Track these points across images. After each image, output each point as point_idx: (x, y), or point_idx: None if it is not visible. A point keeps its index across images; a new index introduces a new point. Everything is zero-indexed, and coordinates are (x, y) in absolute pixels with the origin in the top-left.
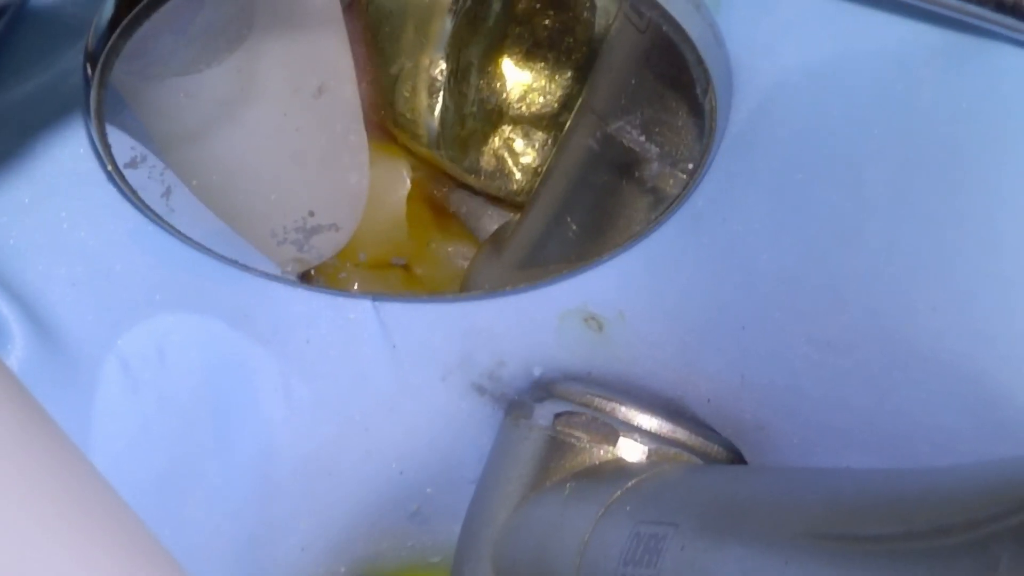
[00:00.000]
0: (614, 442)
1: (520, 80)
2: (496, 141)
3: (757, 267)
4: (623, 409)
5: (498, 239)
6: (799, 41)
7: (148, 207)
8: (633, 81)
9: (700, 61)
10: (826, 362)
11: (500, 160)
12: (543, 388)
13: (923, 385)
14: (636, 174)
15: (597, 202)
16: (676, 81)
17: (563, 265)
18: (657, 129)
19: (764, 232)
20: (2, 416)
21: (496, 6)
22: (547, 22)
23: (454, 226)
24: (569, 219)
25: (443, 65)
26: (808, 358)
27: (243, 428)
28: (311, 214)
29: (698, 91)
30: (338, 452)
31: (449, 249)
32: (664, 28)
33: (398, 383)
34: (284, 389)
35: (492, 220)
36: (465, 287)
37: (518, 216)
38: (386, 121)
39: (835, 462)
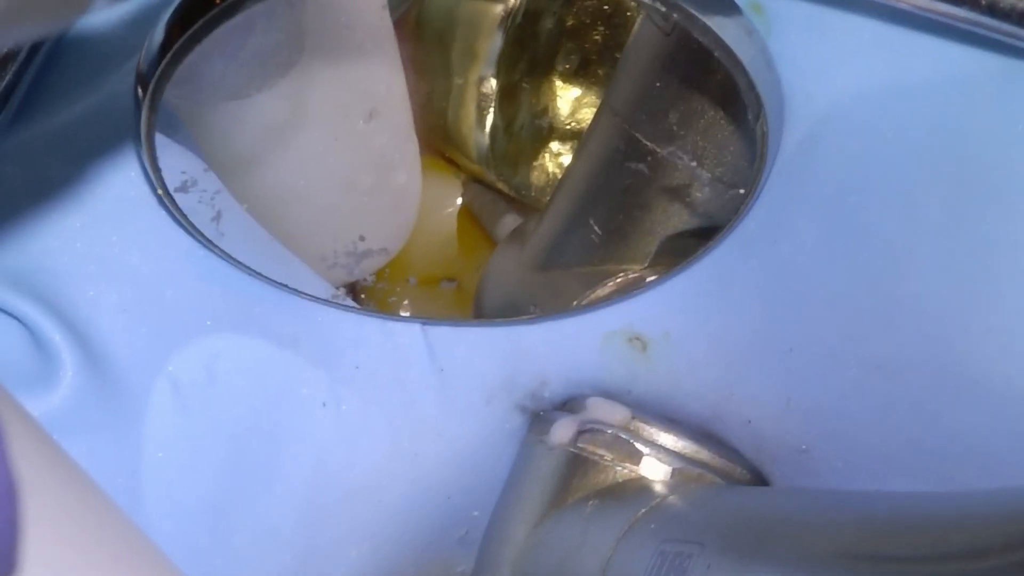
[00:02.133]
0: (637, 461)
1: (570, 96)
2: (546, 157)
3: (807, 290)
4: (647, 428)
5: (515, 239)
6: (853, 66)
7: (198, 231)
8: (658, 84)
9: (752, 87)
10: (875, 385)
11: (550, 176)
12: (567, 405)
13: (974, 409)
14: (686, 198)
15: (620, 206)
16: (727, 106)
17: (585, 269)
18: (708, 154)
19: (815, 255)
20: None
21: (547, 22)
22: (597, 37)
23: None
24: (591, 221)
25: (493, 82)
26: (857, 381)
27: (292, 454)
28: (362, 238)
29: (750, 117)
30: (387, 478)
31: None
32: (716, 54)
33: (445, 407)
34: (334, 414)
35: (511, 221)
36: (482, 286)
37: (536, 216)
38: (436, 138)
39: (879, 486)
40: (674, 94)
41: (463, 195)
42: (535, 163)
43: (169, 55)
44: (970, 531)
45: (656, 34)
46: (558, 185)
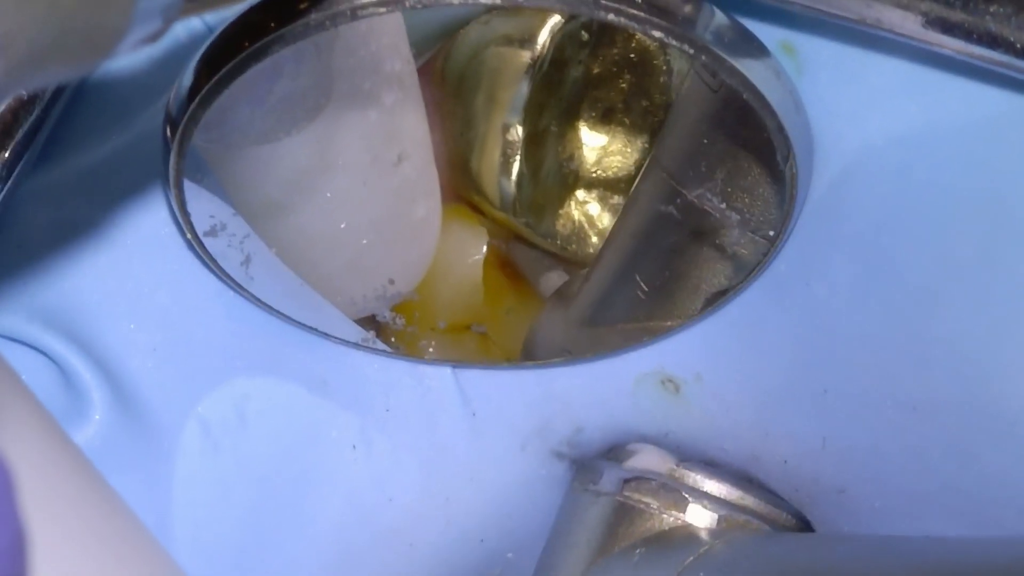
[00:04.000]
0: (684, 508)
1: (596, 144)
2: (572, 205)
3: (841, 330)
4: (692, 475)
5: (562, 296)
6: (885, 107)
7: (227, 275)
8: (705, 141)
9: (781, 128)
10: (910, 425)
11: (576, 224)
12: (611, 453)
13: (1010, 450)
14: (716, 240)
15: (667, 262)
16: (756, 147)
17: (631, 325)
18: (737, 196)
19: (848, 295)
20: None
21: (573, 70)
22: (623, 85)
23: (530, 291)
24: (638, 278)
25: (519, 129)
26: (892, 421)
27: (322, 497)
28: (391, 282)
29: (779, 158)
30: (418, 522)
31: (525, 314)
32: (744, 96)
33: (478, 452)
34: (364, 457)
35: (556, 277)
36: (529, 344)
37: (583, 273)
38: (462, 185)
39: (916, 527)
40: (721, 150)
41: (488, 241)
42: (561, 211)
43: (198, 98)
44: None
45: (704, 91)
46: (605, 241)
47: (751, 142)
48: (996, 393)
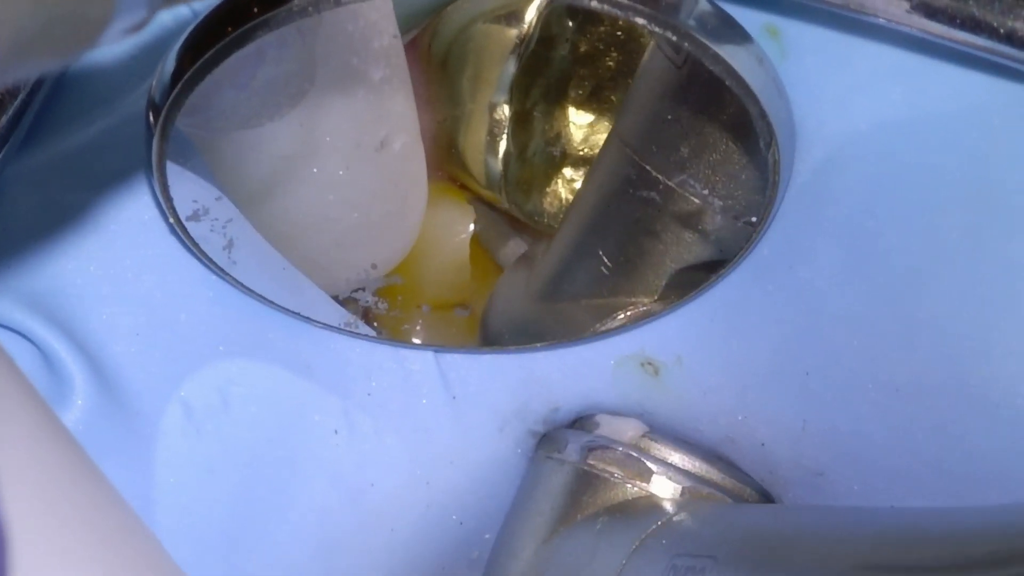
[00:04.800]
0: (648, 479)
1: (583, 122)
2: (558, 183)
3: (824, 313)
4: (658, 447)
5: (524, 264)
6: (870, 92)
7: (210, 260)
8: (669, 117)
9: (763, 115)
10: (894, 407)
11: (563, 202)
12: (577, 423)
13: (995, 431)
14: (698, 226)
15: (631, 237)
16: (738, 133)
17: (595, 301)
18: (720, 182)
19: (833, 279)
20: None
21: (560, 48)
22: (611, 63)
23: None
24: (601, 253)
25: (506, 108)
26: (875, 403)
27: (305, 480)
28: (374, 266)
29: (761, 144)
30: (400, 505)
31: None
32: (728, 82)
33: (458, 434)
34: (347, 441)
35: (517, 246)
36: (488, 310)
37: (544, 243)
38: (447, 164)
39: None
40: (686, 125)
41: (475, 219)
42: (548, 189)
43: (180, 83)
44: (993, 541)
45: (667, 66)
46: (566, 214)
47: (730, 127)
48: (980, 375)
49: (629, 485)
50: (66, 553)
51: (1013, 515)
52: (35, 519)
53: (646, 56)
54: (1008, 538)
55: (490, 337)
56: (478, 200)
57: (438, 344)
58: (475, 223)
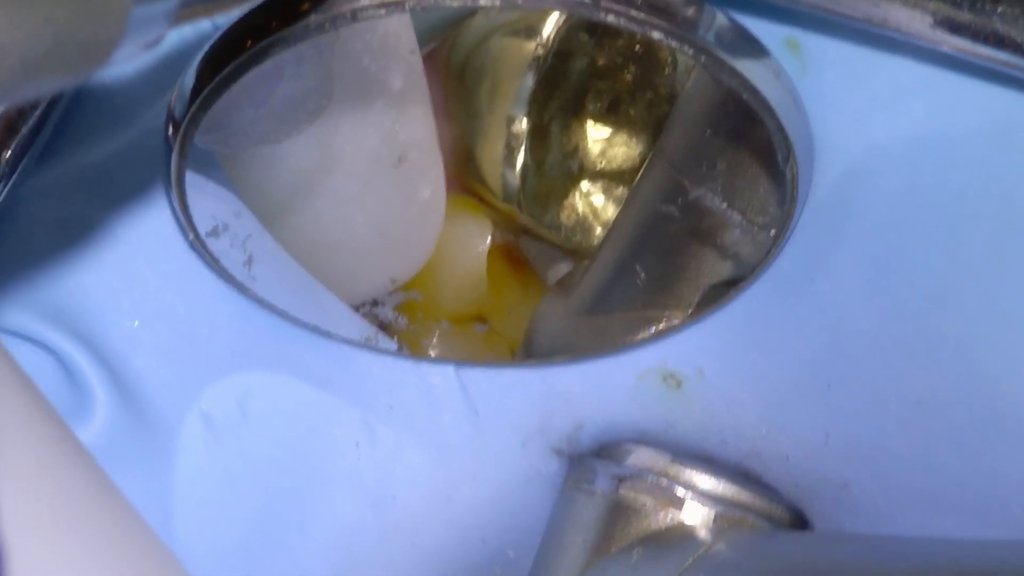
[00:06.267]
0: (680, 506)
1: (601, 135)
2: (576, 196)
3: (846, 326)
4: (686, 471)
5: (564, 286)
6: (891, 106)
7: (230, 276)
8: (708, 132)
9: (781, 129)
10: (917, 421)
11: (580, 215)
12: (604, 451)
13: (1018, 448)
14: (717, 240)
15: (667, 252)
16: (757, 147)
17: (630, 314)
18: (738, 195)
19: (855, 292)
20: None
21: (578, 61)
22: (628, 77)
23: (534, 282)
24: (637, 268)
25: (524, 121)
26: (898, 417)
27: (326, 495)
28: (392, 280)
29: (779, 158)
30: (421, 523)
31: (530, 306)
32: (744, 96)
33: (480, 450)
34: (368, 456)
35: (563, 269)
36: (530, 336)
37: (584, 263)
38: (466, 177)
39: (921, 524)
40: (723, 141)
41: (492, 235)
42: (565, 202)
43: (200, 98)
44: None
45: (710, 84)
46: (608, 232)
47: (752, 142)
48: (1004, 390)
49: (662, 513)
50: (75, 563)
51: None
52: (38, 536)
53: (692, 77)
54: None
55: (531, 356)
56: (522, 230)
57: (458, 359)
58: (522, 247)
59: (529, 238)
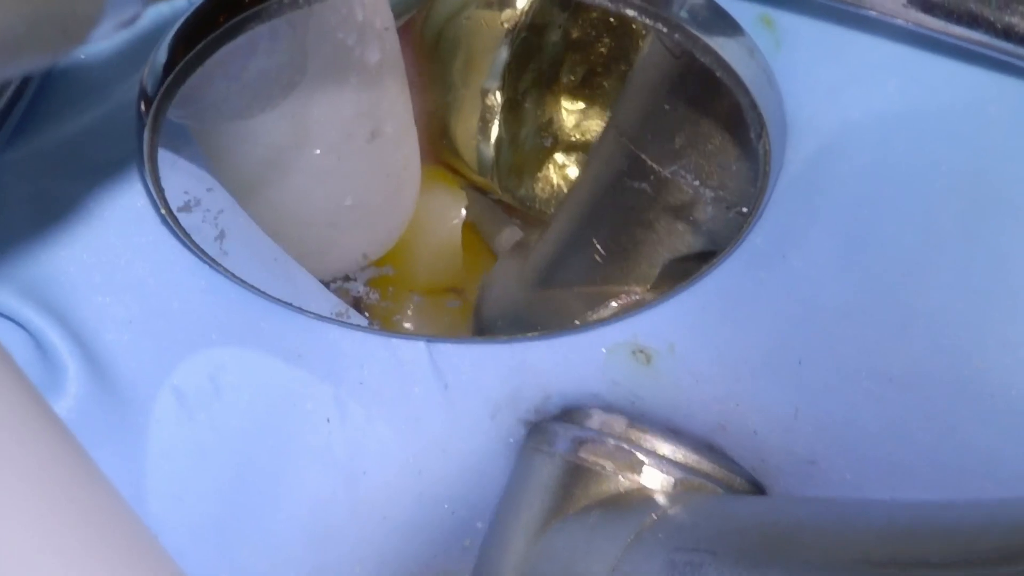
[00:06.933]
0: (639, 471)
1: (575, 108)
2: (550, 168)
3: (818, 302)
4: (648, 438)
5: (518, 251)
6: (864, 84)
7: (201, 250)
8: (666, 106)
9: (754, 106)
10: (888, 396)
11: (555, 187)
12: (566, 415)
13: (990, 422)
14: (690, 216)
15: (624, 226)
16: (729, 124)
17: (588, 289)
18: (711, 172)
19: (827, 268)
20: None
21: (552, 35)
22: (603, 49)
23: None
24: (594, 241)
25: (498, 93)
26: (869, 392)
27: (297, 469)
28: (364, 255)
29: (752, 135)
30: (392, 494)
31: None
32: (718, 73)
33: (449, 423)
34: (339, 430)
35: (512, 233)
36: (481, 298)
37: (537, 231)
38: (440, 149)
39: (890, 498)
40: (681, 116)
41: (467, 207)
42: (539, 175)
43: (172, 74)
44: (1000, 536)
45: (665, 55)
46: (561, 202)
47: (716, 115)
48: (975, 365)
49: (621, 478)
50: (52, 538)
51: (1019, 510)
52: (11, 507)
53: (645, 46)
54: (1017, 533)
55: (484, 325)
56: (472, 187)
57: (430, 334)
58: (468, 210)
59: (477, 198)
